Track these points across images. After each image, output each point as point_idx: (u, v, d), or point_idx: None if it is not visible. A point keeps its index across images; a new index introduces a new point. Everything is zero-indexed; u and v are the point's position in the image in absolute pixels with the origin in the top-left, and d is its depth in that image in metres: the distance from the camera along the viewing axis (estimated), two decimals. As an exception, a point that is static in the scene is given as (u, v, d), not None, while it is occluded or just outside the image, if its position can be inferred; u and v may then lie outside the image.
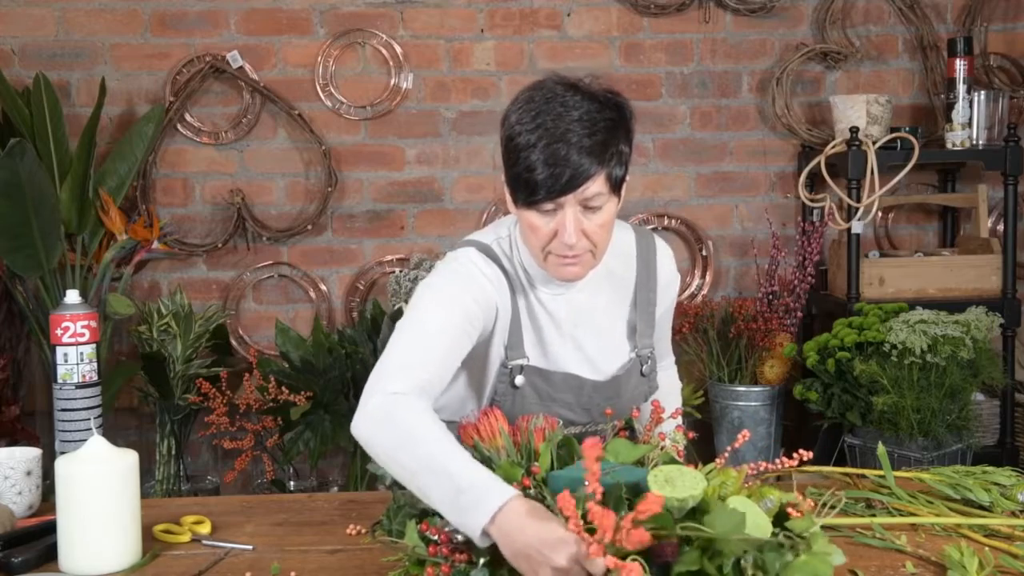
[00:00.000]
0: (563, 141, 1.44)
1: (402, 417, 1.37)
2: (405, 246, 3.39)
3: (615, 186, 1.50)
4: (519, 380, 1.60)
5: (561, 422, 1.54)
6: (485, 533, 1.22)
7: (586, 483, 1.10)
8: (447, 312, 1.51)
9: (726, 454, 1.34)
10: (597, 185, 1.46)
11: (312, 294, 3.40)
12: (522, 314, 1.61)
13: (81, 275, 3.09)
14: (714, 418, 3.19)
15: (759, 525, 1.12)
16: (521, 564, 1.20)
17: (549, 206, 1.47)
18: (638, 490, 1.15)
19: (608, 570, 1.11)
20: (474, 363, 1.62)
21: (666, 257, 1.73)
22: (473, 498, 1.23)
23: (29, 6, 3.29)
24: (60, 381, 1.65)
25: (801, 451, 1.32)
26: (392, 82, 3.36)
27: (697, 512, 1.13)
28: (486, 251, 1.61)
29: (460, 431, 1.40)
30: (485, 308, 1.56)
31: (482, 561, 1.12)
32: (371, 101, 3.37)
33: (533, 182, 1.45)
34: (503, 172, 1.53)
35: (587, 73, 1.56)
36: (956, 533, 1.44)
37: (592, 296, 1.65)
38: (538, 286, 1.62)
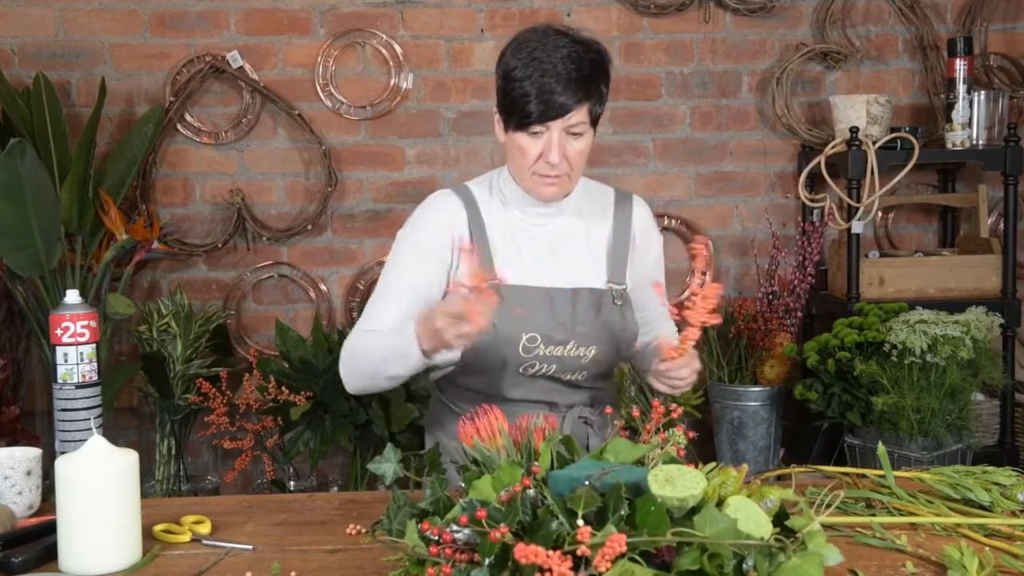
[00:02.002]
0: (554, 75, 1.69)
1: (356, 347, 1.79)
2: (405, 246, 3.39)
3: (594, 120, 1.76)
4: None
5: (540, 338, 1.78)
6: (423, 351, 1.66)
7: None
8: (410, 260, 1.83)
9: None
10: (580, 115, 1.72)
11: (312, 294, 3.40)
12: (496, 240, 1.83)
13: (81, 275, 3.09)
14: (714, 418, 3.19)
15: (759, 525, 1.12)
16: (436, 343, 1.63)
17: (539, 129, 1.72)
18: (638, 490, 1.15)
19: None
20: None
21: (642, 208, 1.95)
22: (407, 343, 1.68)
23: (29, 6, 3.29)
24: (60, 381, 1.65)
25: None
26: (392, 82, 3.36)
27: (697, 512, 1.13)
28: (460, 192, 1.88)
29: (459, 430, 1.41)
30: (441, 246, 1.82)
31: (486, 561, 1.12)
32: (371, 101, 3.37)
33: (527, 109, 1.70)
34: (495, 104, 1.79)
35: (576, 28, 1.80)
36: (956, 533, 1.44)
37: (571, 225, 1.88)
38: (520, 213, 1.85)
